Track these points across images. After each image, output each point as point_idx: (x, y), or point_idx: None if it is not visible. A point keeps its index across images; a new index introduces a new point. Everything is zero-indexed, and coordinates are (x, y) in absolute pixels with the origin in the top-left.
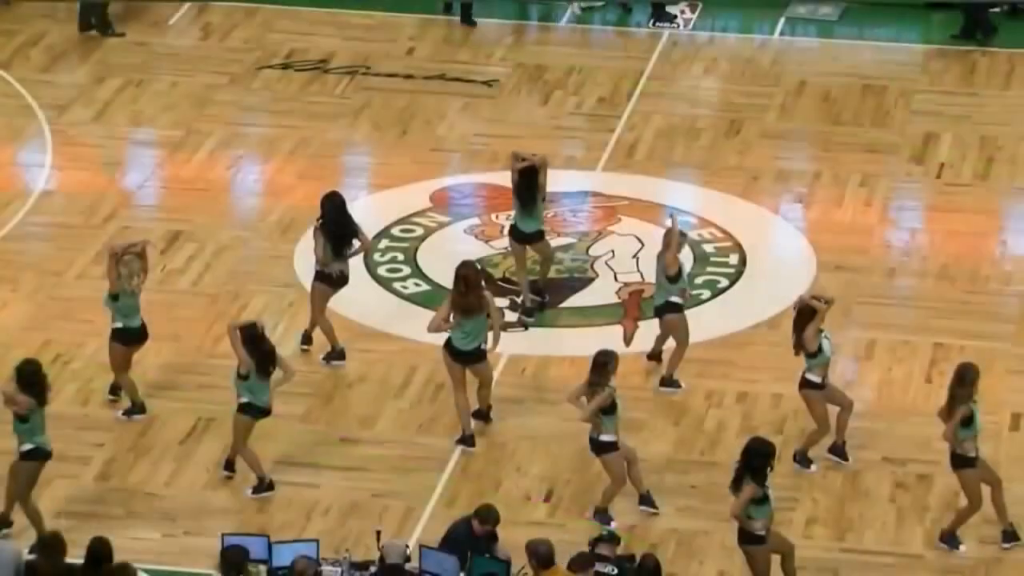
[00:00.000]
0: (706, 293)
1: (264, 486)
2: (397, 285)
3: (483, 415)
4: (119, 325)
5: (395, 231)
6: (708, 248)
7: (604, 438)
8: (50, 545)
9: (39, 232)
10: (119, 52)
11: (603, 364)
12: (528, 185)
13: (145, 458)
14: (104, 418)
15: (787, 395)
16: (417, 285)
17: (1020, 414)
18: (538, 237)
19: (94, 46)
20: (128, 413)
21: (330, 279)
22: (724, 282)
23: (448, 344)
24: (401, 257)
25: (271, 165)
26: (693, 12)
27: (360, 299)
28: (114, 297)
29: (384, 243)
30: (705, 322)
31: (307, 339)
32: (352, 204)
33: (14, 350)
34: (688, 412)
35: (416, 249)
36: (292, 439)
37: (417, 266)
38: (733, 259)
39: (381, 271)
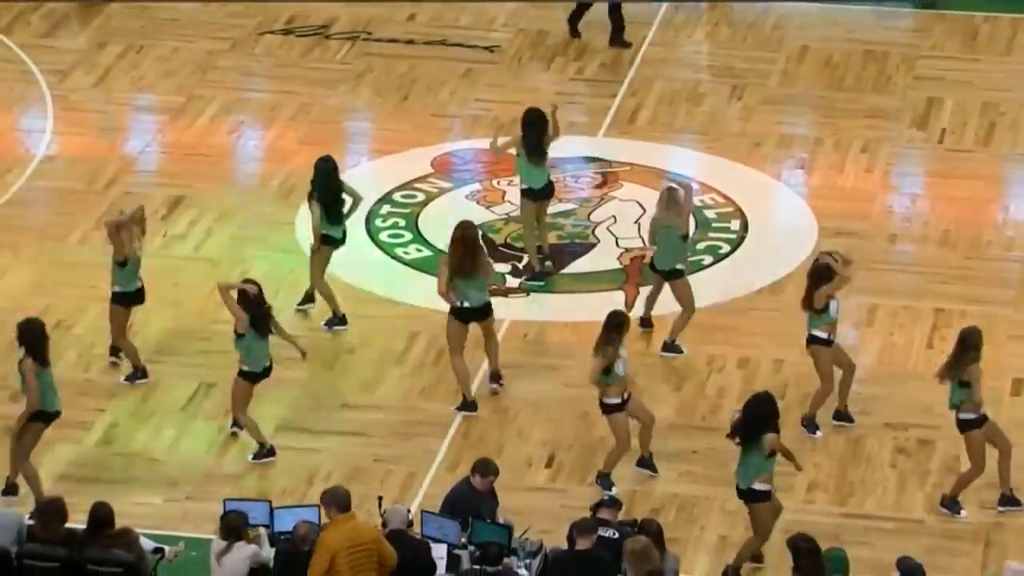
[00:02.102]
0: (708, 259)
1: (264, 452)
2: (399, 251)
3: (496, 377)
4: (119, 289)
5: (396, 197)
6: (710, 214)
7: (607, 400)
8: (51, 510)
9: (40, 197)
10: (120, 17)
11: (613, 325)
12: (536, 137)
13: (147, 423)
14: (106, 383)
15: (788, 361)
16: (419, 251)
17: (1021, 379)
18: (550, 190)
19: (95, 11)
20: (130, 378)
21: (328, 242)
22: (726, 248)
23: (453, 309)
24: (403, 223)
25: (272, 131)
26: None
27: (362, 265)
28: (122, 264)
29: (386, 209)
30: (706, 287)
31: (309, 299)
32: (353, 170)
33: (16, 315)
34: (690, 377)
35: (418, 215)
36: (293, 404)
37: (419, 232)
38: (735, 225)
39: (383, 237)
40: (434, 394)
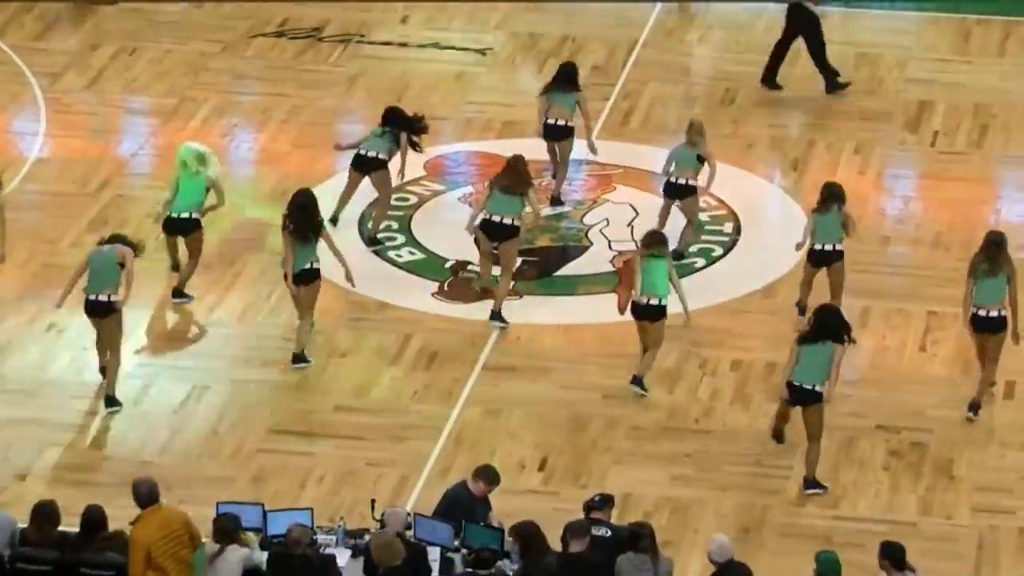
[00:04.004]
0: (701, 261)
1: (301, 358)
2: (391, 253)
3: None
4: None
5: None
6: (703, 216)
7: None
8: (43, 513)
9: (33, 200)
10: (113, 19)
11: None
12: (568, 78)
13: (139, 426)
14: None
15: (781, 363)
16: (412, 253)
17: (1015, 382)
18: (568, 133)
19: (88, 13)
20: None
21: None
22: (719, 250)
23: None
24: (395, 226)
25: (265, 133)
26: None
27: (354, 268)
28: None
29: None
30: (699, 290)
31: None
32: (346, 172)
33: (8, 318)
34: (682, 380)
35: (410, 218)
36: (286, 408)
37: (411, 234)
38: (728, 227)
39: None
40: (427, 397)
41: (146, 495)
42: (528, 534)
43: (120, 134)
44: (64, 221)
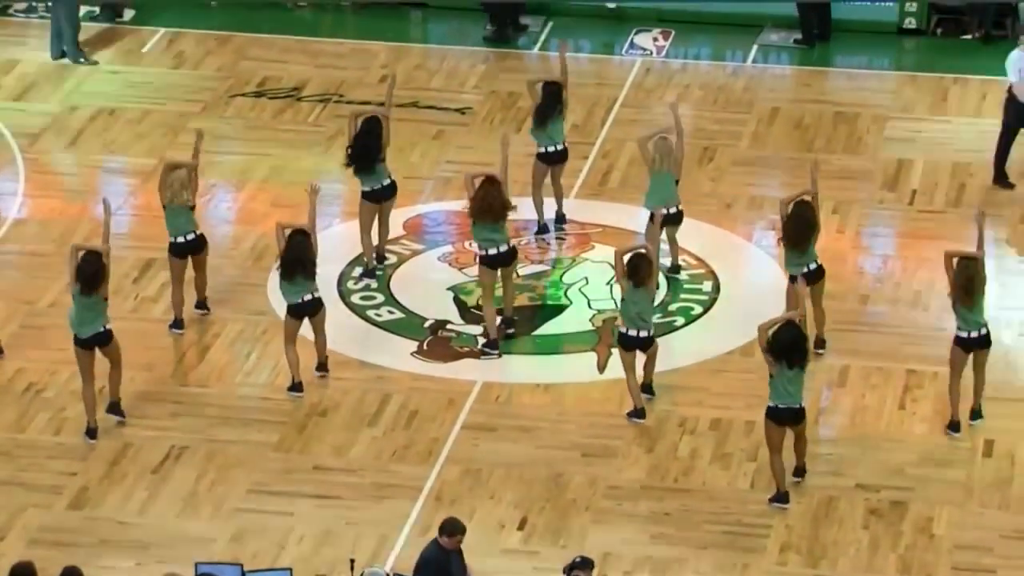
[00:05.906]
0: (680, 320)
1: (294, 386)
2: (371, 313)
3: (507, 322)
4: (170, 239)
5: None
6: (681, 275)
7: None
8: (22, 575)
9: (11, 260)
10: (92, 80)
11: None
12: (553, 101)
13: (118, 487)
14: (77, 447)
15: (761, 422)
16: (391, 313)
17: (993, 440)
18: (565, 156)
19: (67, 74)
20: (171, 326)
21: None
22: (698, 309)
23: (483, 257)
24: (375, 285)
25: (244, 193)
26: (666, 39)
27: (333, 326)
28: (164, 208)
29: (358, 271)
30: (679, 349)
31: (380, 259)
32: (326, 231)
33: None
34: (661, 439)
35: (390, 277)
36: (265, 467)
37: (391, 294)
38: (706, 286)
39: (355, 299)
40: (406, 456)
41: None
42: None
43: (99, 195)
44: (42, 282)
